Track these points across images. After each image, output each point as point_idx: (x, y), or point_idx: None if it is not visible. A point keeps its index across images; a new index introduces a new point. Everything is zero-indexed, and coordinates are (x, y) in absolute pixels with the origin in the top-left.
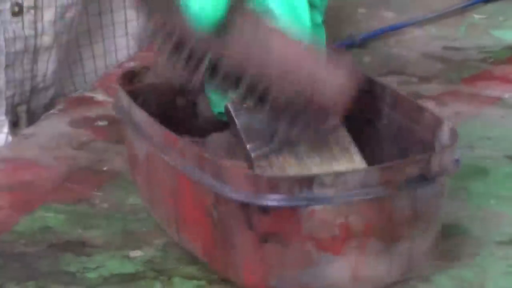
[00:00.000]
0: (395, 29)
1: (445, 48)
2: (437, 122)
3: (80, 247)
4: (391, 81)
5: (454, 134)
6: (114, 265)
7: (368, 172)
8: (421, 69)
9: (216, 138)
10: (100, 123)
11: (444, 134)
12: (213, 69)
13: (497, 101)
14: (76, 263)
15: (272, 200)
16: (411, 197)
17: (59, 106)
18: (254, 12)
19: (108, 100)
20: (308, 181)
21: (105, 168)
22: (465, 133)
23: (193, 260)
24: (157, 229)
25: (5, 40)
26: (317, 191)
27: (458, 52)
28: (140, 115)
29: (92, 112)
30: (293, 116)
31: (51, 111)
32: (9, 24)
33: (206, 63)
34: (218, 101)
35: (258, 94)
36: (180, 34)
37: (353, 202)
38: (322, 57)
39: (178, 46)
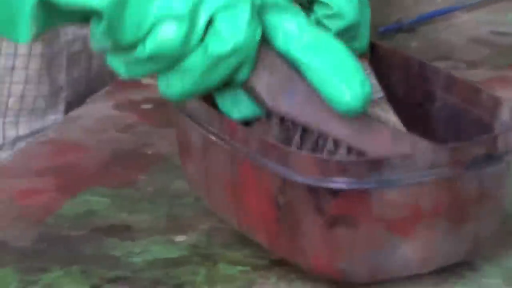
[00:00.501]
0: (443, 13)
1: (493, 33)
2: (496, 103)
3: (124, 231)
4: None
5: None
6: (158, 250)
7: (436, 153)
8: (468, 54)
9: (261, 125)
10: (146, 106)
11: (505, 114)
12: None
13: None
14: (120, 248)
15: (341, 183)
16: (478, 177)
17: (105, 89)
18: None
19: (154, 83)
20: (377, 164)
21: (149, 152)
22: None
23: (239, 246)
24: (202, 214)
25: (66, 42)
26: (386, 173)
27: (506, 37)
28: (195, 103)
29: (138, 95)
30: None
31: (97, 94)
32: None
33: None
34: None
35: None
36: None
37: (422, 183)
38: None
39: None
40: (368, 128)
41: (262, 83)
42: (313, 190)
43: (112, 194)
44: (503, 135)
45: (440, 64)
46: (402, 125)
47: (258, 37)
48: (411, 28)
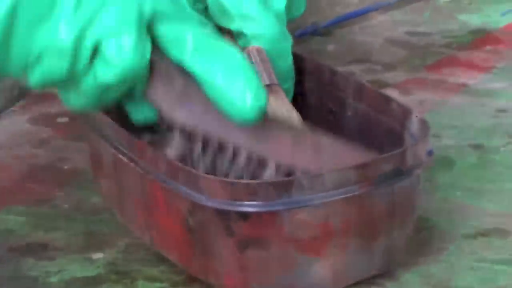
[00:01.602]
0: (359, 15)
1: (410, 33)
2: (405, 113)
3: (41, 250)
4: (355, 70)
5: (424, 125)
6: (76, 269)
7: (344, 171)
8: (385, 56)
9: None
10: (61, 119)
11: (414, 125)
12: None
13: (462, 88)
14: (37, 268)
15: (250, 206)
16: (388, 192)
17: (19, 103)
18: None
19: None
20: (285, 185)
21: (66, 167)
22: (431, 122)
23: (156, 262)
24: (120, 230)
25: None
26: (295, 194)
27: (422, 38)
28: (106, 122)
29: (53, 108)
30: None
31: (11, 109)
32: None
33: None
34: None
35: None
36: None
37: (332, 202)
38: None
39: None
40: (268, 134)
41: (160, 94)
42: (222, 213)
43: (28, 212)
44: (412, 150)
45: (357, 67)
46: (296, 112)
47: (147, 55)
48: (327, 31)
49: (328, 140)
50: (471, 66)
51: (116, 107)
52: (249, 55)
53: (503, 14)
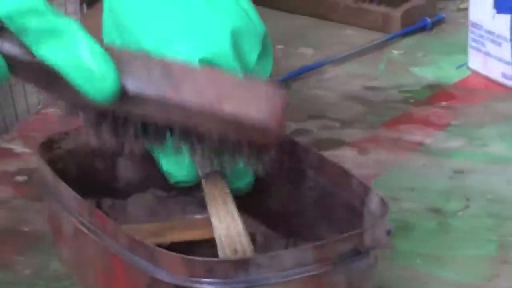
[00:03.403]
0: (314, 68)
1: (365, 88)
2: (365, 190)
3: None
4: (312, 127)
5: (383, 204)
6: None
7: (303, 251)
8: (342, 112)
9: (138, 199)
10: (20, 178)
11: (373, 203)
12: (144, 130)
13: (418, 147)
14: None
15: (208, 284)
16: (345, 272)
17: None
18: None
19: (28, 152)
20: (244, 264)
21: (26, 229)
22: (388, 184)
23: None
24: None
25: None
26: (253, 273)
27: (378, 92)
28: (67, 192)
29: (11, 166)
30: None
31: None
32: None
33: (132, 127)
34: (174, 170)
35: (191, 142)
36: (95, 106)
37: (289, 281)
38: (241, 81)
39: (98, 119)
40: (136, 101)
41: (30, 79)
42: None
43: None
44: (370, 231)
45: (313, 124)
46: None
47: None
48: (283, 85)
49: (194, 99)
50: (427, 123)
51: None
52: None
53: (458, 68)
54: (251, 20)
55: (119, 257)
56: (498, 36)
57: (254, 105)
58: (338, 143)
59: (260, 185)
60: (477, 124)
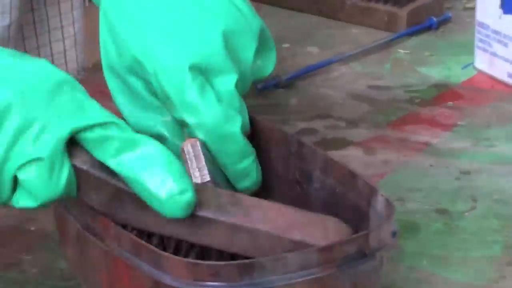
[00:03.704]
0: (320, 67)
1: (371, 87)
2: (372, 191)
3: None
4: (318, 126)
5: (389, 205)
6: None
7: (307, 254)
8: (348, 111)
9: None
10: None
11: (379, 205)
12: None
13: (425, 147)
14: None
15: (213, 287)
16: (351, 274)
17: None
18: None
19: None
20: (248, 267)
21: (33, 228)
22: (395, 185)
23: None
24: None
25: None
26: (257, 276)
27: (384, 92)
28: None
29: None
30: None
31: None
32: None
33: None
34: None
35: None
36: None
37: (294, 284)
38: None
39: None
40: (204, 225)
41: (93, 201)
42: None
43: None
44: (375, 233)
45: (320, 123)
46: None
47: (63, 180)
48: (289, 83)
49: (264, 232)
50: (433, 123)
51: None
52: (182, 153)
53: (464, 68)
54: (245, 17)
55: (123, 261)
56: (505, 36)
57: (322, 235)
58: (345, 143)
59: (267, 186)
60: (484, 125)
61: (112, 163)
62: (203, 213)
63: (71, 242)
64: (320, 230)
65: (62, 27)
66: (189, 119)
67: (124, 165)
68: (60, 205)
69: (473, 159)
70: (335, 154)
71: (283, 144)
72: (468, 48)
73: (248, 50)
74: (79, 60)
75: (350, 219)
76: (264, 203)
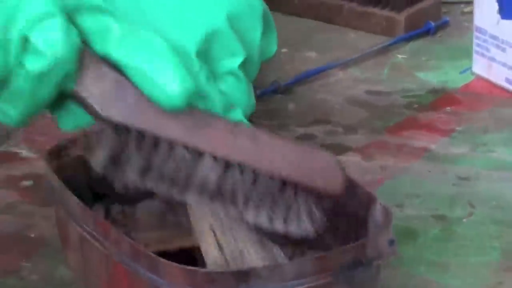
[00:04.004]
0: (318, 72)
1: (369, 92)
2: (370, 199)
3: None
4: (316, 132)
5: (387, 214)
6: None
7: (303, 263)
8: (346, 117)
9: (147, 206)
10: (25, 182)
11: (377, 213)
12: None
13: (423, 153)
14: None
15: None
16: (347, 283)
17: None
18: None
19: (33, 157)
20: (244, 275)
21: (32, 235)
22: (393, 191)
23: None
24: None
25: None
26: (254, 284)
27: (382, 97)
28: (73, 201)
29: (17, 171)
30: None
31: None
32: None
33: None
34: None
35: None
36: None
37: None
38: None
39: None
40: (202, 126)
41: (91, 92)
42: None
43: None
44: (372, 241)
45: (319, 129)
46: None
47: (77, 43)
48: (287, 88)
49: (265, 134)
50: (431, 129)
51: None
52: None
53: (462, 72)
54: (248, 1)
55: (123, 266)
56: (503, 41)
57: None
58: (343, 149)
59: None
60: (482, 130)
61: (113, 52)
62: (201, 111)
63: (73, 247)
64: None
65: None
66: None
67: (125, 53)
68: (63, 209)
69: (471, 165)
70: None
71: None
72: (465, 53)
73: (254, 32)
74: None
75: (349, 227)
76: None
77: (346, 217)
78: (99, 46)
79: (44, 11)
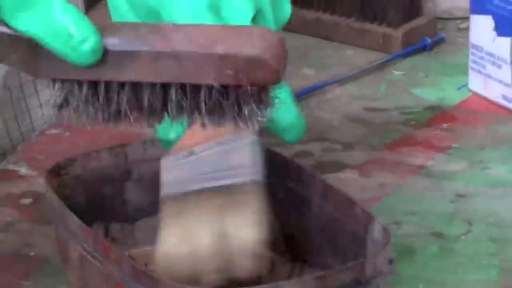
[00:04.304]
0: (316, 89)
1: (366, 109)
2: (368, 219)
3: None
4: (314, 149)
5: (386, 233)
6: None
7: (304, 282)
8: (343, 134)
9: (146, 223)
10: (24, 200)
11: (376, 232)
12: (137, 99)
13: (420, 170)
14: None
15: None
16: None
17: None
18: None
19: (32, 174)
20: None
21: (32, 254)
22: (391, 208)
23: None
24: None
25: None
26: None
27: (379, 114)
28: (73, 220)
29: (16, 189)
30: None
31: None
32: None
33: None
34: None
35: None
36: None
37: None
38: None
39: (86, 94)
40: (126, 60)
41: (13, 60)
42: None
43: None
44: (371, 261)
45: (316, 146)
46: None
47: None
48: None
49: (186, 47)
50: (428, 145)
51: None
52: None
53: (459, 89)
54: None
55: (124, 285)
56: (499, 58)
57: (248, 43)
58: (341, 166)
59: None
60: (478, 147)
61: (13, 25)
62: (121, 47)
63: (73, 266)
64: (245, 39)
65: None
66: None
67: (25, 25)
68: (63, 228)
69: (468, 182)
70: (331, 177)
71: (282, 169)
72: (462, 69)
73: (285, 4)
74: None
75: (348, 245)
76: (186, 26)
77: (345, 235)
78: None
79: None
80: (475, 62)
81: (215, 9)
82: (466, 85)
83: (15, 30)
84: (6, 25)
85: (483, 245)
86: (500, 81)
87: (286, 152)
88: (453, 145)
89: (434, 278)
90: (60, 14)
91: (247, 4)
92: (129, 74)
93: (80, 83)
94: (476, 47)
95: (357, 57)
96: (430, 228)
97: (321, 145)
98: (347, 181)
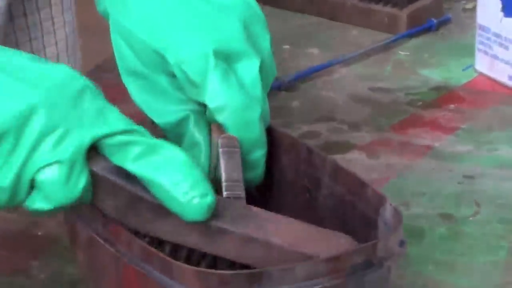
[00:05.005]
0: (321, 69)
1: (372, 89)
2: (380, 200)
3: None
4: (321, 129)
5: (397, 215)
6: None
7: (315, 264)
8: (350, 114)
9: None
10: None
11: (387, 214)
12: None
13: (428, 150)
14: None
15: None
16: (358, 284)
17: None
18: None
19: None
20: (257, 276)
21: (40, 233)
22: (399, 189)
23: None
24: None
25: None
26: (266, 286)
27: (385, 94)
28: None
29: None
30: None
31: None
32: None
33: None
34: None
35: None
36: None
37: None
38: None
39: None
40: (218, 236)
41: (109, 206)
42: None
43: (3, 283)
44: (383, 242)
45: (323, 126)
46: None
47: (80, 186)
48: (291, 86)
49: (276, 246)
50: (435, 126)
51: None
52: (216, 145)
53: (465, 69)
54: (254, 8)
55: (134, 267)
56: (506, 39)
57: (328, 248)
58: (348, 146)
59: (276, 193)
60: (486, 128)
61: (132, 167)
62: (217, 223)
63: (82, 247)
64: (332, 245)
65: (54, 30)
66: (211, 103)
67: (145, 168)
68: (72, 211)
69: (476, 163)
70: (339, 158)
71: (292, 151)
72: (468, 50)
73: (265, 39)
74: (71, 63)
75: (358, 227)
76: (278, 216)
77: (355, 216)
78: (115, 158)
79: (53, 158)
80: (481, 43)
81: (220, 55)
82: (471, 65)
83: (122, 180)
84: (116, 172)
85: (492, 226)
86: (507, 62)
87: (293, 132)
88: (460, 126)
89: (444, 259)
90: (183, 164)
91: (252, 53)
92: (218, 248)
93: (164, 242)
94: (483, 27)
95: (362, 38)
96: (439, 209)
97: (327, 125)
98: (354, 162)
